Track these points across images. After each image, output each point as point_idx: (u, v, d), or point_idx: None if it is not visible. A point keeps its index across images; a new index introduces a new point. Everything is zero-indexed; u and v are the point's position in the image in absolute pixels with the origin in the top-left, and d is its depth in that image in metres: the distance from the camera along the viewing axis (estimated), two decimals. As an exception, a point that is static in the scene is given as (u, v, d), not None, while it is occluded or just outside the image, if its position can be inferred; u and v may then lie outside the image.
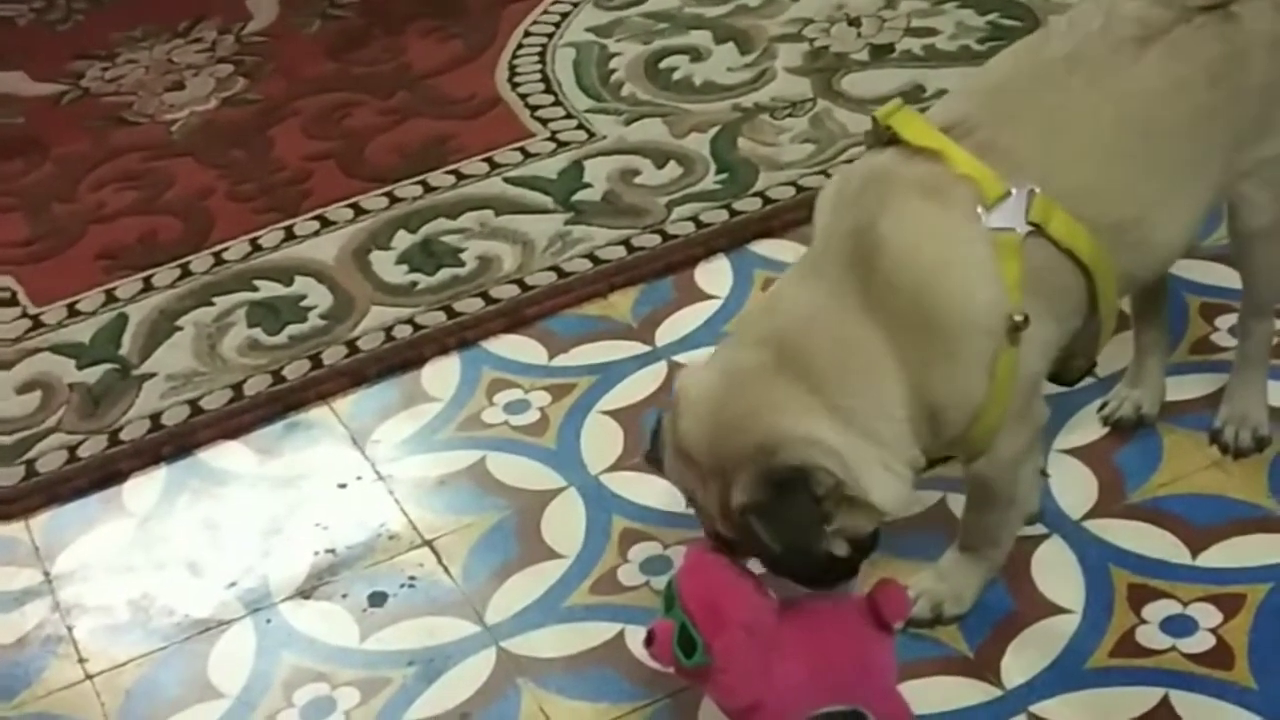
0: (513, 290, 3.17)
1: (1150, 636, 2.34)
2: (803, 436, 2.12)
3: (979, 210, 2.17)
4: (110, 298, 3.30)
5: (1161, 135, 2.28)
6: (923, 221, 2.17)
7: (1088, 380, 2.70)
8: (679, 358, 2.96)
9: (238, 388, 3.02)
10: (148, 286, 3.32)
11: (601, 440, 2.81)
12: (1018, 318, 2.17)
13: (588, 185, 3.42)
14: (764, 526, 2.12)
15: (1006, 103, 2.26)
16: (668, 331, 3.03)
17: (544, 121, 3.65)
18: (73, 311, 3.28)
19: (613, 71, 3.79)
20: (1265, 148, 2.39)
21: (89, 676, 2.52)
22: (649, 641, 2.20)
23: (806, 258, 2.28)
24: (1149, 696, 2.26)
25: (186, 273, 3.34)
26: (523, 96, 3.75)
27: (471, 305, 3.14)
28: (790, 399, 2.15)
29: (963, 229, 2.17)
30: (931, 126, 2.22)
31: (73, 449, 2.94)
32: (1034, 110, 2.25)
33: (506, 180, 3.48)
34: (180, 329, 3.20)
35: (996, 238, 2.17)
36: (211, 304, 3.25)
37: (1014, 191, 2.18)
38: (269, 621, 2.57)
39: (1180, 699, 2.25)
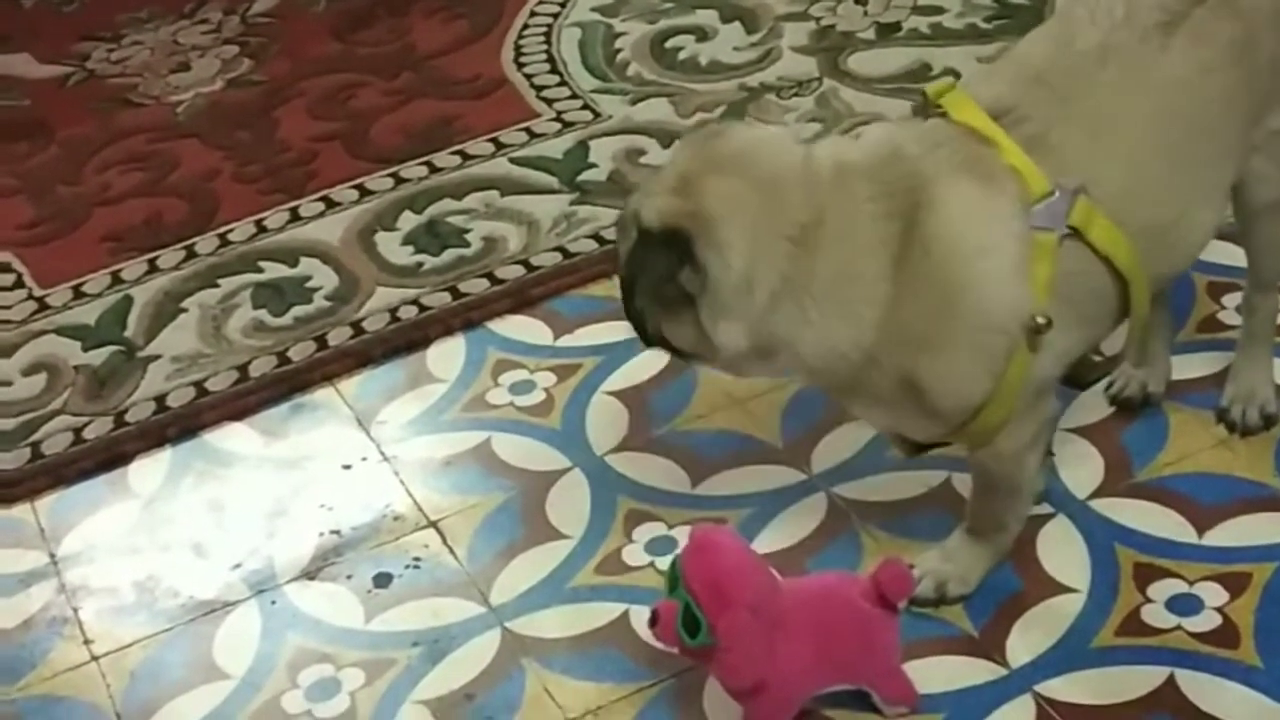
0: (518, 271, 3.17)
1: (1156, 615, 2.33)
2: (726, 238, 2.13)
3: (1020, 206, 2.16)
4: (115, 279, 3.30)
5: (1195, 126, 2.27)
6: (974, 204, 2.17)
7: (1092, 358, 2.72)
8: (684, 338, 2.95)
9: (243, 369, 3.02)
10: (153, 268, 3.32)
11: (607, 421, 2.81)
12: (1040, 320, 2.16)
13: (593, 165, 3.41)
14: (627, 252, 2.19)
15: (1051, 96, 2.23)
16: (673, 312, 3.02)
17: (549, 102, 3.64)
18: (78, 293, 3.28)
19: (618, 51, 3.78)
20: (1274, 120, 2.38)
21: (94, 658, 2.52)
22: (653, 622, 2.20)
23: (889, 141, 2.24)
24: (1154, 675, 2.25)
25: (192, 254, 3.34)
26: (528, 77, 3.74)
27: (477, 286, 3.14)
28: (763, 213, 2.15)
29: (1007, 222, 2.16)
30: (983, 112, 2.21)
31: (78, 431, 2.94)
32: (1078, 107, 2.23)
33: (512, 161, 3.47)
34: (185, 311, 3.19)
35: (1034, 236, 2.16)
36: (217, 285, 3.25)
37: (1058, 192, 2.17)
38: (274, 603, 2.57)
39: (1186, 678, 2.24)
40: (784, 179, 2.18)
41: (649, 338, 2.29)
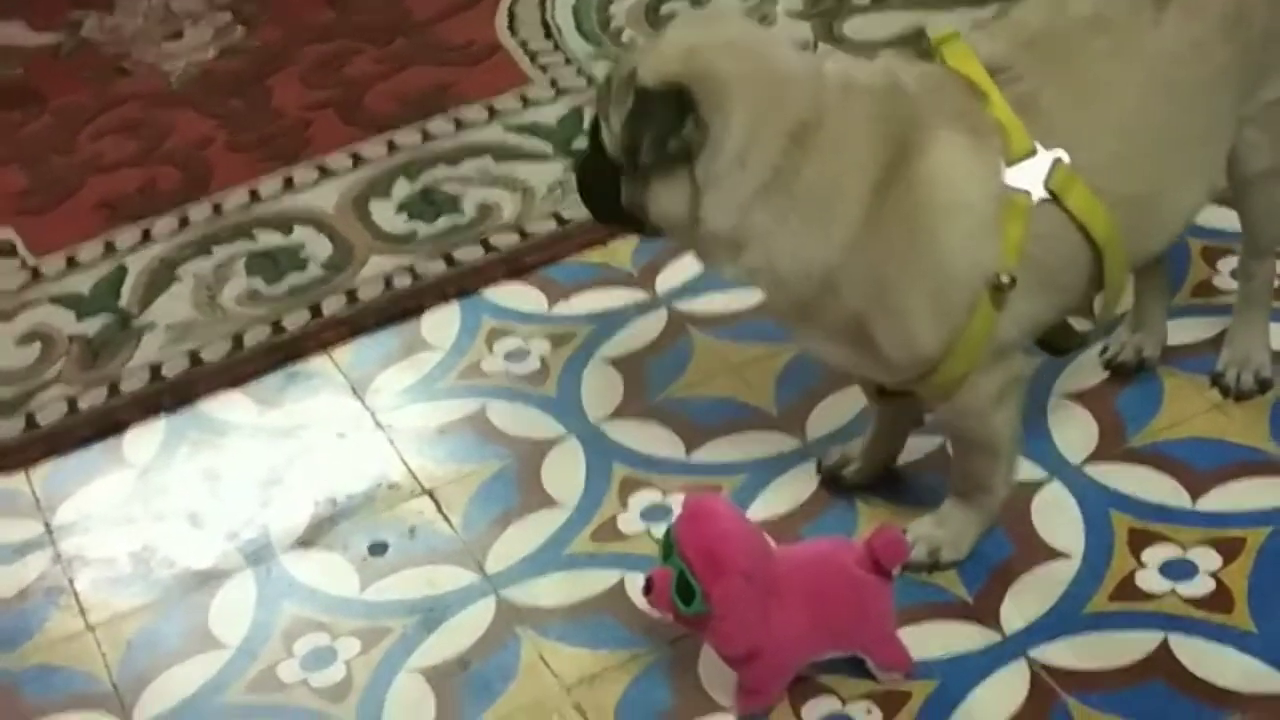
0: (513, 238, 3.16)
1: (1150, 580, 2.33)
2: (733, 107, 2.12)
3: (1001, 163, 2.16)
4: (109, 248, 3.30)
5: (1184, 101, 2.27)
6: (959, 154, 2.17)
7: (1087, 325, 2.71)
8: (680, 305, 2.95)
9: (237, 338, 3.02)
10: (147, 237, 3.31)
11: (602, 388, 2.81)
12: (1004, 279, 2.16)
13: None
14: (625, 109, 2.14)
15: (1044, 60, 2.23)
16: (668, 279, 3.02)
17: (544, 68, 3.64)
18: (72, 263, 3.28)
19: (612, 17, 3.77)
20: (1267, 92, 2.38)
21: (90, 628, 2.53)
22: (647, 589, 2.20)
23: (888, 78, 2.23)
24: (1148, 640, 2.25)
25: (185, 223, 3.33)
26: (522, 43, 3.74)
27: (471, 253, 3.13)
28: (769, 99, 2.14)
29: (986, 178, 2.16)
30: (980, 65, 2.21)
31: (73, 400, 2.94)
32: (1069, 73, 2.23)
33: (506, 127, 3.46)
34: (179, 279, 3.19)
35: (1009, 196, 2.16)
36: (210, 254, 3.24)
37: (1039, 153, 2.17)
38: (269, 572, 2.57)
39: (1179, 643, 2.24)
40: (793, 74, 2.18)
41: (613, 210, 2.26)
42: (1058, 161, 2.18)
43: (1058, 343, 2.36)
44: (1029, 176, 2.17)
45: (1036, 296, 2.22)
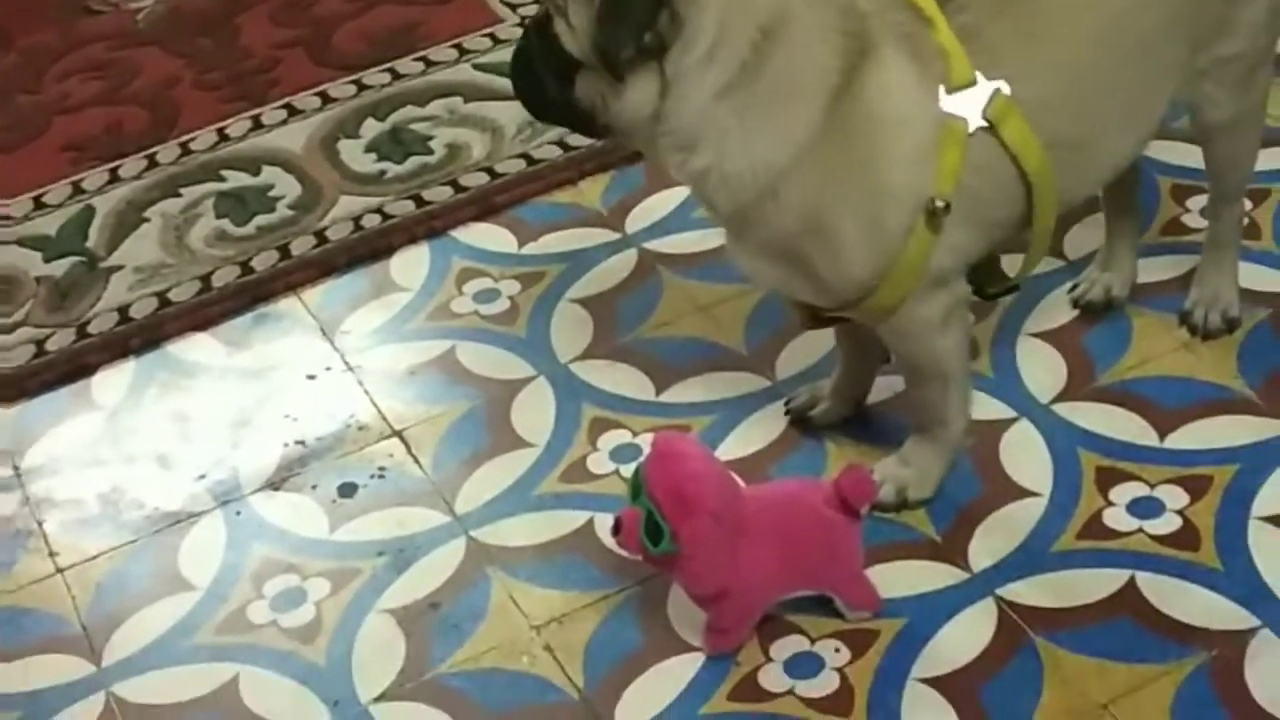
0: (482, 178, 3.15)
1: (1117, 519, 2.34)
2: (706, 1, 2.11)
3: (941, 89, 2.16)
4: (77, 189, 3.28)
5: (1131, 50, 2.28)
6: (906, 76, 2.17)
7: (1057, 264, 2.72)
8: (649, 245, 2.95)
9: (206, 279, 3.01)
10: (114, 178, 3.29)
11: (571, 329, 2.81)
12: (939, 203, 2.16)
13: (557, 70, 3.38)
14: (595, 3, 2.11)
15: None
16: (638, 219, 3.01)
17: (513, 6, 3.61)
18: (39, 204, 3.25)
19: (582, -45, 3.73)
20: (1223, 48, 2.38)
21: (59, 570, 2.52)
22: (616, 530, 2.20)
23: None
24: (1115, 578, 2.26)
25: (153, 163, 3.31)
26: (492, -19, 3.71)
27: (441, 194, 3.12)
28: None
29: (927, 103, 2.17)
30: None
31: (40, 343, 2.92)
32: (1018, 10, 2.22)
33: (475, 67, 3.44)
34: (147, 220, 3.17)
35: (946, 121, 2.16)
36: (179, 195, 3.22)
37: (980, 82, 2.17)
38: (239, 513, 2.57)
39: (1146, 580, 2.25)
40: None
41: (557, 110, 2.24)
42: (997, 92, 2.18)
43: (986, 284, 2.36)
44: (968, 104, 2.18)
45: (969, 227, 2.22)
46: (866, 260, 2.20)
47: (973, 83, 2.18)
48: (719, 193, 2.21)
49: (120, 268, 3.07)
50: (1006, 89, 2.19)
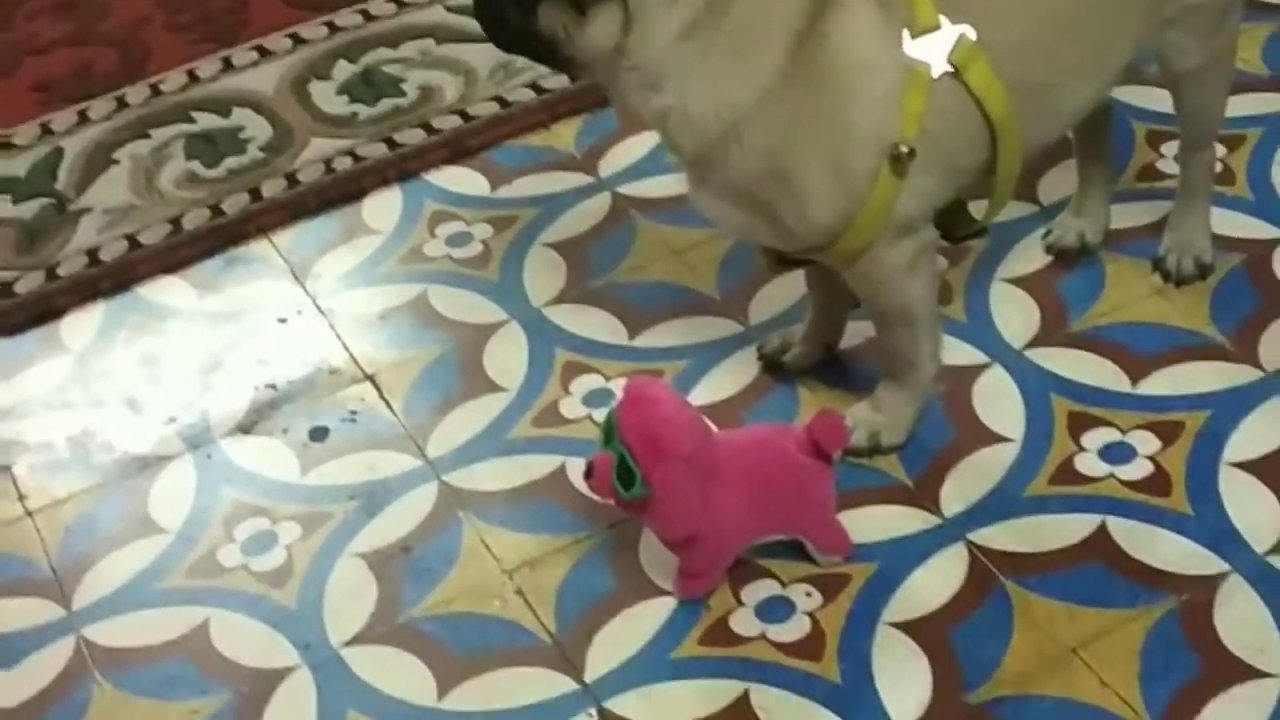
0: (455, 121, 3.13)
1: (1089, 464, 2.35)
2: None
3: (905, 33, 2.15)
4: (45, 131, 3.25)
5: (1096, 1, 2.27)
6: (871, 20, 2.16)
7: (1031, 209, 2.72)
8: (623, 189, 2.93)
9: (176, 221, 2.99)
10: (83, 119, 3.27)
11: (544, 273, 2.79)
12: (904, 149, 2.15)
13: (531, 13, 3.36)
14: None
15: None
16: (611, 162, 3.00)
17: (486, -53, 3.58)
18: (7, 145, 3.23)
19: (556, -104, 3.71)
20: None
21: (29, 513, 2.51)
22: (588, 474, 2.20)
23: None
24: (1086, 523, 2.27)
25: (123, 105, 3.29)
26: (465, -80, 3.68)
27: (413, 136, 3.10)
28: None
29: (892, 47, 2.16)
30: None
31: (9, 285, 2.90)
32: None
33: (448, 8, 3.42)
34: (117, 162, 3.15)
35: (911, 65, 2.15)
36: (148, 136, 3.20)
37: (944, 27, 2.16)
38: (209, 457, 2.56)
39: (1117, 525, 2.26)
40: None
41: (520, 40, 2.22)
42: (962, 36, 2.17)
43: (953, 229, 2.35)
44: (932, 49, 2.17)
45: (934, 173, 2.22)
46: (830, 206, 2.19)
47: (937, 27, 2.17)
48: (682, 133, 2.20)
49: (89, 210, 3.04)
50: (972, 34, 2.18)
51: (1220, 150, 2.68)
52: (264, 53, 3.37)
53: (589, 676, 2.17)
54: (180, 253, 2.93)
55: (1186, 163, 2.58)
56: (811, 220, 2.21)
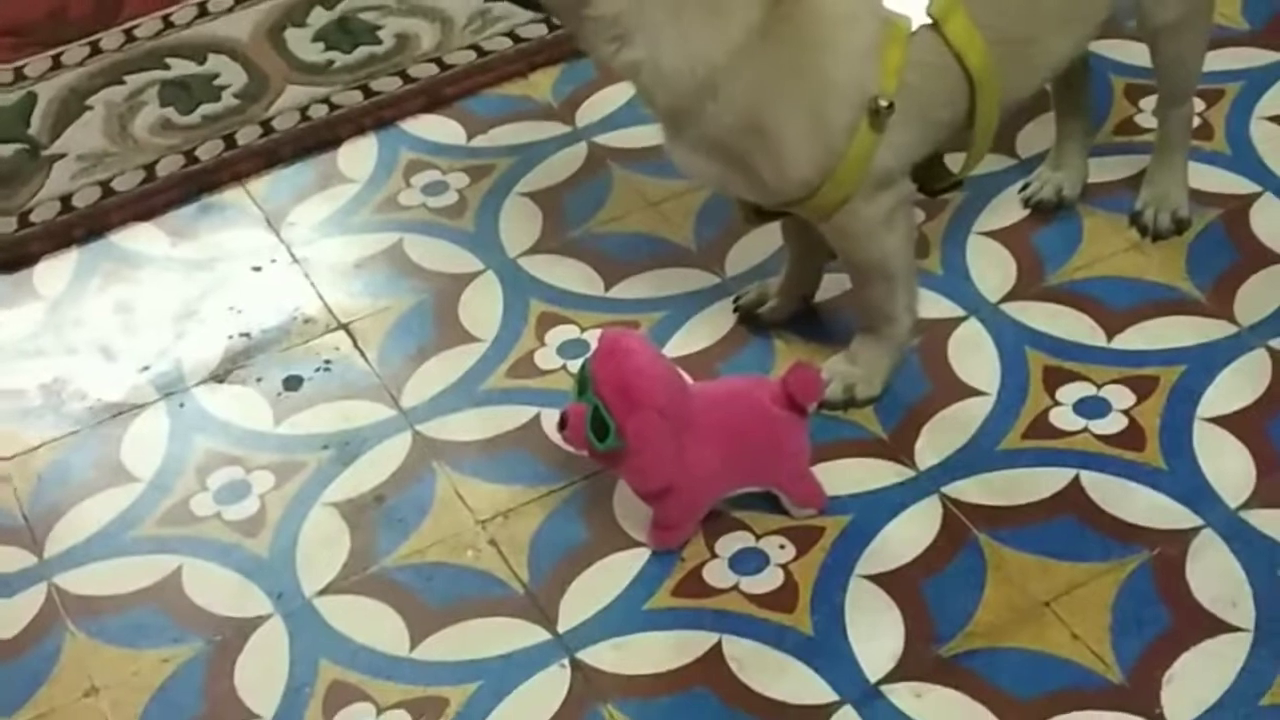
0: (431, 69, 3.11)
1: (1063, 418, 2.35)
2: None
3: None
4: (19, 76, 3.22)
5: None
6: None
7: (1008, 162, 2.71)
8: (600, 139, 2.92)
9: (150, 168, 2.97)
10: (57, 64, 3.24)
11: (520, 223, 2.78)
12: (883, 103, 2.14)
13: (508, -40, 3.34)
14: None
15: None
16: (589, 112, 2.98)
17: (464, -107, 3.56)
18: (-21, 90, 3.21)
19: None
20: None
21: (0, 460, 2.50)
22: (562, 425, 2.20)
23: None
24: (1060, 477, 2.27)
25: (97, 50, 3.26)
26: None
27: (389, 84, 3.08)
28: None
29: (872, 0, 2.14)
30: None
31: (-19, 231, 2.89)
32: None
33: (426, -45, 3.40)
34: (91, 108, 3.13)
35: (890, 18, 2.14)
36: (123, 83, 3.18)
37: None
38: (182, 405, 2.55)
39: (1090, 479, 2.26)
40: None
41: None
42: None
43: (930, 182, 2.35)
44: (911, 1, 2.16)
45: (913, 126, 2.21)
46: (808, 160, 2.18)
47: None
48: (655, 88, 2.18)
49: (63, 156, 3.02)
50: None
51: (1198, 105, 2.67)
52: (239, -1, 3.35)
53: (562, 627, 2.17)
54: (154, 200, 2.91)
55: (1164, 118, 2.58)
56: (788, 174, 2.20)
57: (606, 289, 2.64)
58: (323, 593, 2.25)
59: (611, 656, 2.13)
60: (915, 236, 2.39)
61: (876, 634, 2.12)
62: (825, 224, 2.28)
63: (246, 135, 3.01)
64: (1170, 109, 2.56)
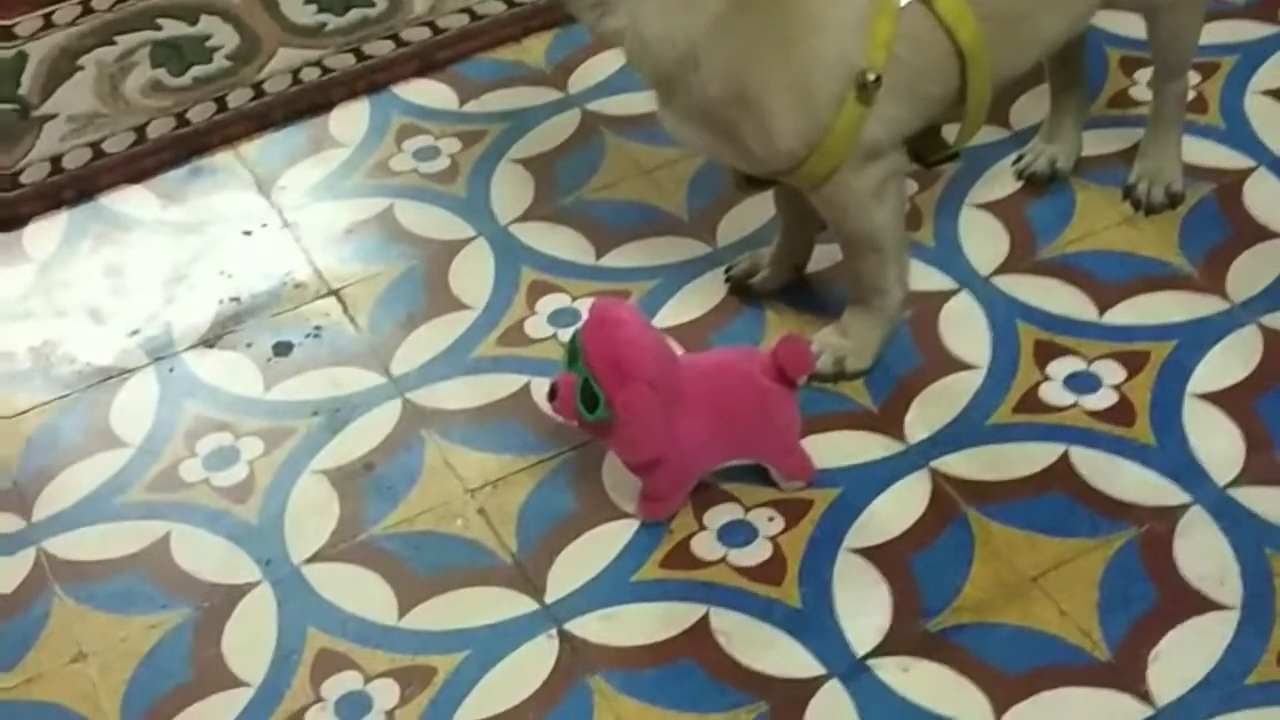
0: (424, 33, 3.10)
1: (1054, 393, 2.34)
2: None
3: None
4: (9, 35, 3.20)
5: None
6: None
7: (1002, 134, 2.71)
8: (593, 106, 2.91)
9: (140, 130, 2.95)
10: (48, 24, 3.22)
11: (512, 189, 2.77)
12: (870, 76, 2.13)
13: (503, -77, 3.33)
14: None
15: None
16: (582, 78, 2.97)
17: None
18: (-31, 49, 3.19)
19: None
20: None
21: (-11, 424, 2.50)
22: (552, 396, 2.19)
23: None
24: (1049, 452, 2.27)
25: (88, 10, 3.24)
26: None
27: (381, 48, 3.07)
28: None
29: None
30: None
31: (-29, 192, 2.88)
32: None
33: (419, -83, 3.38)
34: (81, 69, 3.11)
35: None
36: (114, 43, 3.16)
37: None
38: (172, 370, 2.54)
39: (1080, 455, 2.26)
40: None
41: None
42: None
43: (926, 153, 2.34)
44: None
45: (902, 100, 2.20)
46: (795, 132, 2.18)
47: None
48: (638, 57, 2.18)
49: (53, 116, 3.01)
50: None
51: (1194, 78, 2.67)
52: (232, -41, 3.33)
53: (550, 597, 2.17)
54: (145, 162, 2.89)
55: (1159, 91, 2.57)
56: (775, 145, 2.19)
57: (598, 257, 2.63)
58: (311, 560, 2.25)
59: (599, 627, 2.13)
60: (906, 209, 2.39)
61: (864, 608, 2.12)
62: (815, 195, 2.28)
63: (238, 98, 2.99)
64: (1165, 83, 2.55)
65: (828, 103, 2.16)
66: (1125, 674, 2.02)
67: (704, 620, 2.12)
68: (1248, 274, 2.48)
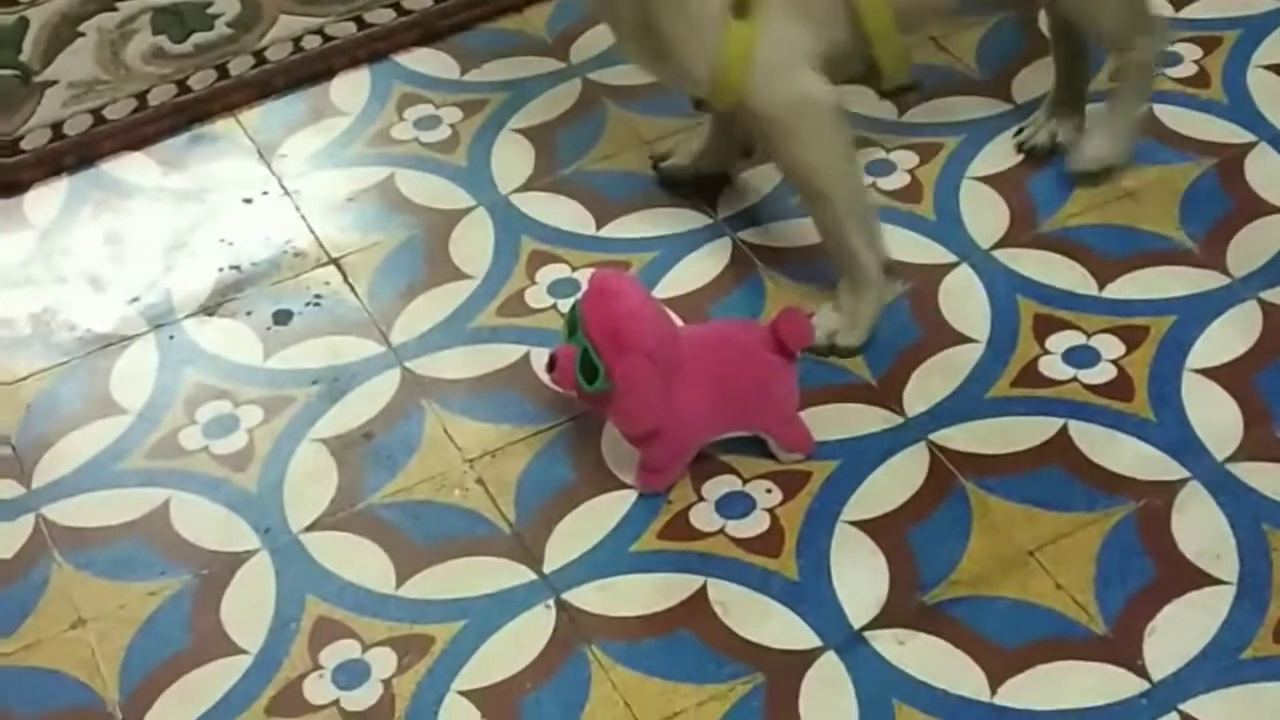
0: (425, 1, 3.09)
1: (1052, 367, 2.35)
2: None
3: None
4: (10, 1, 3.20)
5: None
6: None
7: (1004, 107, 2.70)
8: (594, 76, 2.91)
9: (141, 97, 2.95)
10: (49, -10, 3.22)
11: (513, 159, 2.77)
12: None
13: (506, -109, 3.32)
14: None
15: None
16: (583, 48, 2.97)
17: None
18: (-29, 15, 3.19)
19: None
20: None
21: (-11, 390, 2.51)
22: (551, 366, 2.20)
23: None
24: (1048, 426, 2.27)
25: (90, -24, 3.25)
26: None
27: (383, 16, 3.06)
28: None
29: None
30: None
31: (-29, 158, 2.88)
32: None
33: (422, -115, 3.37)
34: (83, 35, 3.11)
35: None
36: (115, 9, 3.15)
37: None
38: (172, 338, 2.54)
39: (1078, 429, 2.26)
40: None
41: None
42: None
43: (873, 83, 2.37)
44: None
45: (794, 21, 2.22)
46: (692, 53, 2.23)
47: None
48: None
49: (54, 83, 3.01)
50: None
51: (1195, 52, 2.66)
52: (234, -75, 3.32)
53: (548, 567, 2.17)
54: (145, 129, 2.89)
55: (1117, 67, 2.55)
56: (684, 67, 2.25)
57: (598, 228, 2.63)
58: (310, 529, 2.26)
59: (597, 598, 2.14)
60: (852, 158, 2.37)
61: (861, 580, 2.12)
62: (746, 123, 2.32)
63: (239, 65, 2.99)
64: (1117, 58, 2.53)
65: (710, 22, 2.19)
66: (1122, 648, 2.02)
67: (701, 591, 2.13)
68: (1248, 249, 2.48)
